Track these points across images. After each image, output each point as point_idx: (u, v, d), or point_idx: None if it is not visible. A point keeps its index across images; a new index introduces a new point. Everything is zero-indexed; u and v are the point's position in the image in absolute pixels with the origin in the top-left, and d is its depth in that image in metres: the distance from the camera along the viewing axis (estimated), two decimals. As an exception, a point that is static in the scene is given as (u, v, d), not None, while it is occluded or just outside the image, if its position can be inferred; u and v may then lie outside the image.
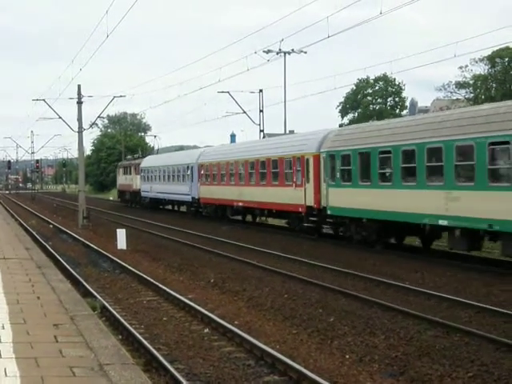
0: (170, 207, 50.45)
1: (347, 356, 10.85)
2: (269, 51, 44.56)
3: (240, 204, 35.93)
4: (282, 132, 51.21)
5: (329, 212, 26.53)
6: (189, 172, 43.66)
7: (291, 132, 57.52)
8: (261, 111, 44.13)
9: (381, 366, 10.25)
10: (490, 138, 18.15)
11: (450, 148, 19.63)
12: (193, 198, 43.09)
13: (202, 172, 41.63)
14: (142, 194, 54.26)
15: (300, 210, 28.96)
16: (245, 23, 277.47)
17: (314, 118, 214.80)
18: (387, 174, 23.23)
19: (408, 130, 22.32)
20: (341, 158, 25.64)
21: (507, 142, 17.52)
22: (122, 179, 63.64)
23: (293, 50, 48.07)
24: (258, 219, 38.15)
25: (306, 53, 48.79)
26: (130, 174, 59.28)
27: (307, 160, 28.48)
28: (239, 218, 38.88)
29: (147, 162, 55.44)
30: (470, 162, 19.17)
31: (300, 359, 10.48)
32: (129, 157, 72.16)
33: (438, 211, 20.11)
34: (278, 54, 45.40)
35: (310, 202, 28.05)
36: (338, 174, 25.91)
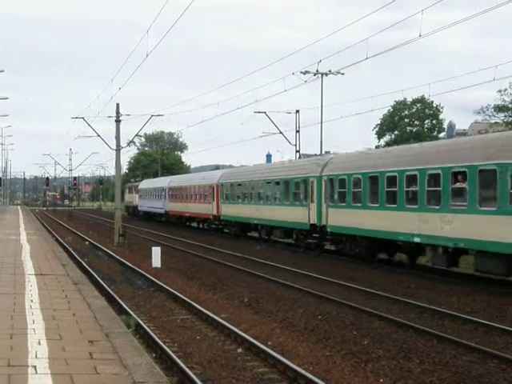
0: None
1: (381, 380, 10.75)
2: (306, 72, 44.67)
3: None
4: (318, 152, 51.27)
5: (328, 230, 29.62)
6: (163, 193, 60.98)
7: (327, 153, 57.51)
8: (297, 132, 44.20)
9: (415, 391, 10.13)
10: (452, 168, 21.05)
11: (424, 174, 22.53)
12: (165, 210, 60.02)
13: (171, 193, 58.67)
14: (139, 208, 72.17)
15: (304, 227, 32.32)
16: (282, 44, 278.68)
17: (350, 139, 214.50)
18: (374, 197, 25.96)
19: (391, 160, 25.51)
20: (338, 181, 28.95)
21: (465, 172, 20.48)
22: (128, 197, 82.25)
23: (330, 71, 48.15)
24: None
25: (343, 74, 48.86)
26: (132, 193, 77.84)
27: (312, 182, 31.45)
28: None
29: (142, 184, 73.24)
30: (437, 188, 21.87)
31: (333, 382, 10.42)
32: (132, 179, 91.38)
33: (413, 230, 23.03)
34: (315, 75, 45.49)
35: (314, 220, 30.93)
36: (335, 196, 29.19)
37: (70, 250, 31.51)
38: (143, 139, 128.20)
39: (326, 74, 48.73)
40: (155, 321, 15.75)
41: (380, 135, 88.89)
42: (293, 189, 33.91)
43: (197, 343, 13.40)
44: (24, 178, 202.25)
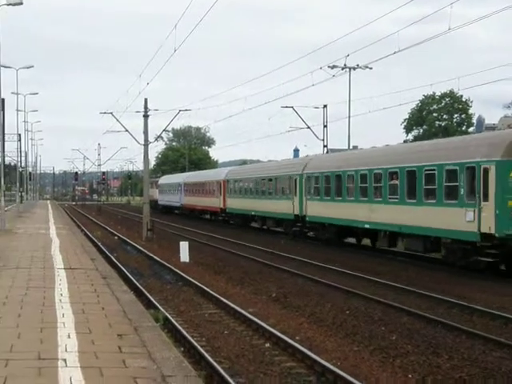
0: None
1: (410, 375, 10.70)
2: (334, 66, 44.48)
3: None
4: (346, 147, 51.09)
5: (307, 219, 35.45)
6: (179, 188, 66.34)
7: (354, 147, 57.41)
8: (325, 126, 44.03)
9: (444, 387, 10.07)
10: (389, 169, 27.17)
11: (371, 174, 28.54)
12: (181, 204, 65.58)
13: (186, 188, 63.97)
14: (159, 202, 77.78)
15: (289, 217, 37.74)
16: (310, 38, 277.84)
17: (378, 133, 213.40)
18: (339, 192, 31.74)
19: (351, 161, 31.69)
20: (313, 178, 34.82)
21: (397, 172, 26.50)
22: (151, 192, 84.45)
23: (358, 65, 47.90)
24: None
25: (371, 68, 48.60)
26: (153, 188, 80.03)
27: (295, 179, 37.00)
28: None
29: (162, 180, 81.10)
30: (379, 184, 27.90)
31: (362, 377, 10.38)
32: (153, 175, 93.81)
33: (364, 219, 28.95)
34: (343, 69, 45.28)
35: (297, 211, 36.27)
36: (312, 191, 34.97)
37: (99, 244, 31.73)
38: (171, 134, 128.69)
39: (354, 69, 48.48)
40: (183, 315, 15.81)
41: (408, 130, 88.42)
42: (281, 185, 39.79)
43: (225, 338, 13.43)
44: (53, 173, 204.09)
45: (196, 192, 59.53)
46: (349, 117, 56.71)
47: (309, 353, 11.46)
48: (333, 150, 49.14)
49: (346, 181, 30.75)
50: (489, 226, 20.92)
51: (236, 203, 48.20)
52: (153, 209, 79.57)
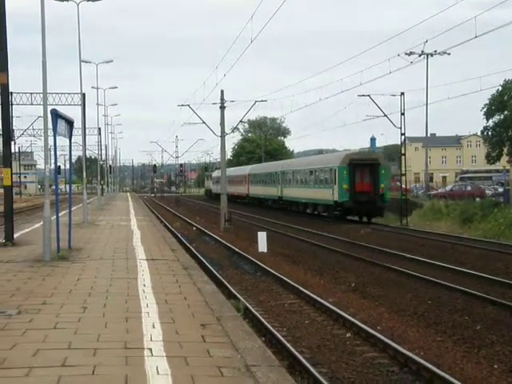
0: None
1: (495, 366, 10.51)
2: (411, 53, 43.85)
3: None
4: (423, 135, 50.35)
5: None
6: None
7: (432, 135, 56.46)
8: (402, 114, 43.34)
9: (532, 378, 9.85)
10: (310, 169, 50.36)
11: (306, 171, 51.40)
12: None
13: (229, 179, 72.67)
14: (212, 191, 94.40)
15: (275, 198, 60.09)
16: (387, 26, 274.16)
17: (457, 120, 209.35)
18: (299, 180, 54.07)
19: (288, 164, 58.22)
20: (287, 173, 57.08)
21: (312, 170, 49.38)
22: (206, 183, 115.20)
23: (435, 51, 47.07)
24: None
25: (449, 54, 47.71)
26: (208, 180, 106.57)
27: (279, 174, 58.48)
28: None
29: (214, 173, 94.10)
30: (294, 178, 53.90)
31: (446, 367, 10.25)
32: (209, 170, 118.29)
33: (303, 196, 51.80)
34: (420, 55, 44.59)
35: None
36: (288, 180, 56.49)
37: (179, 235, 32.15)
38: (247, 125, 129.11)
39: (432, 55, 47.72)
40: (263, 305, 15.89)
41: (488, 116, 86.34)
42: (271, 177, 61.24)
43: (305, 327, 13.45)
44: (132, 166, 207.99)
45: (234, 182, 76.76)
46: (426, 104, 55.87)
47: (391, 343, 11.37)
48: (410, 139, 48.33)
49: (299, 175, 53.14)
50: (336, 196, 43.28)
51: (254, 190, 69.13)
52: (207, 197, 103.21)
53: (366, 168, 43.13)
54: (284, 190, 56.62)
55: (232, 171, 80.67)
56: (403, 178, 44.70)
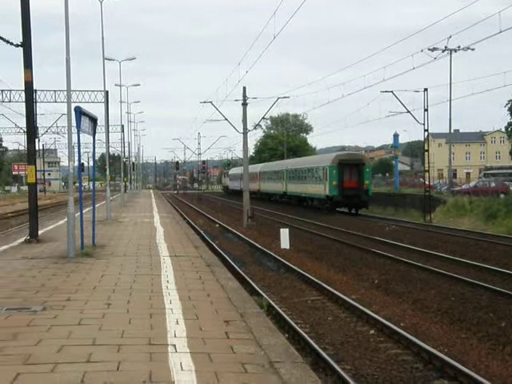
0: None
1: (521, 363, 10.43)
2: (434, 49, 43.56)
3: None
4: (447, 131, 50.01)
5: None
6: (240, 177, 77.98)
7: (456, 131, 56.19)
8: (425, 110, 43.11)
9: (558, 376, 9.76)
10: (308, 167, 57.31)
11: (305, 170, 58.12)
12: (240, 188, 78.34)
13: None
14: (229, 187, 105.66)
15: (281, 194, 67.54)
16: (410, 22, 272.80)
17: (480, 116, 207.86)
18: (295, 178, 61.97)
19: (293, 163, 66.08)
20: (290, 171, 64.33)
21: (309, 168, 56.34)
22: (223, 180, 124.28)
23: (459, 47, 46.75)
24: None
25: (473, 50, 47.35)
26: (225, 177, 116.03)
27: (283, 173, 65.62)
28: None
29: (231, 171, 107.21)
30: (295, 175, 61.36)
31: (471, 364, 10.19)
32: (231, 166, 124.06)
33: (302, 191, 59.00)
34: (443, 51, 44.28)
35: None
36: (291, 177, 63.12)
37: (201, 232, 32.23)
38: (269, 122, 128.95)
39: (456, 51, 47.38)
40: (286, 301, 15.90)
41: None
42: (278, 174, 68.16)
43: (328, 324, 13.43)
44: (155, 163, 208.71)
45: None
46: (450, 100, 55.48)
47: (415, 339, 11.33)
48: (434, 135, 47.89)
49: (293, 174, 61.52)
50: (327, 191, 49.63)
51: (263, 187, 76.93)
52: (224, 193, 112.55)
53: (352, 167, 49.28)
54: (288, 186, 63.72)
55: (233, 171, 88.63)
56: (426, 174, 44.45)
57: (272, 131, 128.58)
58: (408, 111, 45.50)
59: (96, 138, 20.42)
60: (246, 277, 18.44)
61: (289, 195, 64.02)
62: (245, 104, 41.70)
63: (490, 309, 14.30)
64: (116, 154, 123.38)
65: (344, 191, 48.59)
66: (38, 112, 54.71)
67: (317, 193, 52.83)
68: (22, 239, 21.55)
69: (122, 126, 74.61)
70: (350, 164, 49.59)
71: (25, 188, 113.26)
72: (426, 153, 43.82)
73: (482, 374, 9.63)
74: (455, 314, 14.08)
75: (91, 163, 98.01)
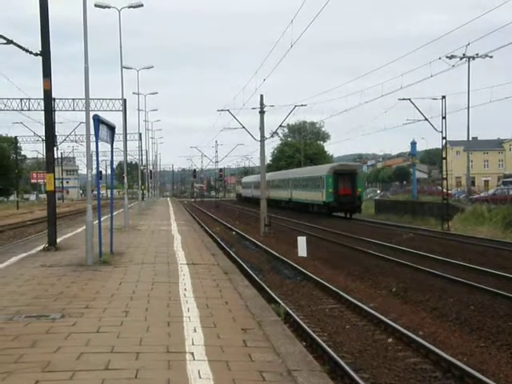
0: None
1: (540, 373, 10.34)
2: (452, 56, 43.46)
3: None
4: (465, 139, 49.78)
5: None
6: (252, 185, 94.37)
7: (474, 139, 56.08)
8: (443, 118, 42.93)
9: None
10: (309, 176, 62.84)
11: (306, 179, 63.95)
12: (252, 195, 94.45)
13: (253, 185, 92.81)
14: (242, 194, 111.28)
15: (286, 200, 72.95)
16: (426, 30, 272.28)
17: (499, 123, 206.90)
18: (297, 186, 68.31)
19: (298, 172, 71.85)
20: (293, 180, 70.35)
21: (310, 177, 62.27)
22: (237, 188, 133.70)
23: (477, 54, 46.58)
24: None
25: (491, 57, 47.17)
26: (238, 185, 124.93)
27: (287, 181, 71.57)
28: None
29: (243, 179, 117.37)
30: (298, 183, 67.09)
31: (489, 373, 10.12)
32: (239, 176, 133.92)
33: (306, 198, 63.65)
34: (461, 59, 44.16)
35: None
36: (295, 185, 68.45)
37: (219, 240, 32.26)
38: (286, 130, 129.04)
39: (474, 58, 47.23)
40: (303, 310, 15.87)
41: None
42: (284, 182, 74.34)
43: (346, 332, 13.39)
44: (172, 171, 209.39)
45: (255, 187, 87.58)
46: (468, 107, 55.23)
47: (434, 348, 11.27)
48: (451, 143, 47.74)
49: (295, 182, 68.11)
50: (324, 198, 54.64)
51: (270, 194, 76.34)
52: (237, 200, 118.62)
53: (346, 176, 55.36)
54: (293, 193, 69.66)
55: (257, 178, 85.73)
56: (444, 182, 44.26)
57: (289, 139, 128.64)
58: (426, 119, 45.36)
59: (114, 146, 20.49)
60: (263, 285, 18.43)
61: (294, 202, 69.57)
62: (262, 112, 41.77)
63: (510, 317, 14.20)
64: (134, 162, 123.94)
65: (339, 198, 54.61)
66: (56, 120, 55.10)
67: (316, 199, 58.72)
68: (41, 247, 21.66)
69: (140, 135, 74.78)
70: (344, 173, 55.52)
71: (43, 196, 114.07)
72: (444, 160, 43.63)
73: (501, 383, 9.55)
74: (474, 322, 14.00)
75: (109, 171, 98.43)
